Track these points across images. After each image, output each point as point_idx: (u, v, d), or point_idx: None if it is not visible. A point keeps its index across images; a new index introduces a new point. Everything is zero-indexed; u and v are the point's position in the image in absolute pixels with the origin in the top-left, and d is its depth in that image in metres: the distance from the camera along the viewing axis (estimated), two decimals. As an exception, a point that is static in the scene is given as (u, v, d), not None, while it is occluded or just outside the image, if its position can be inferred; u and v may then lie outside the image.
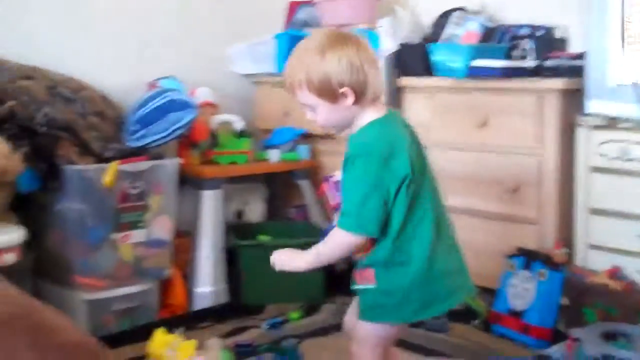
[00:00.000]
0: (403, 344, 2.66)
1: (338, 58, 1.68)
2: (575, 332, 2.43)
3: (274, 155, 3.43)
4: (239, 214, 3.50)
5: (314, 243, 1.83)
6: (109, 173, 2.71)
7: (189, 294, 3.09)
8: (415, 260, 1.76)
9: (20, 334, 0.89)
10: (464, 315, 2.95)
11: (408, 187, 1.71)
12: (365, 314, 1.83)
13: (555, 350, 2.57)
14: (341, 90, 1.69)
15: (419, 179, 1.76)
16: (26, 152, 2.66)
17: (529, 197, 2.87)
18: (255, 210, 3.54)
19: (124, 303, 2.88)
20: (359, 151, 1.71)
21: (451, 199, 3.06)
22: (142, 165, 2.86)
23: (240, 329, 2.83)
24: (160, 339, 1.51)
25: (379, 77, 1.74)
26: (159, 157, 2.99)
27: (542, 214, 2.85)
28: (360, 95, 1.71)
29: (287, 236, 3.31)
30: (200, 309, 3.05)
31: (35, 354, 0.89)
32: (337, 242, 1.73)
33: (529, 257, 2.76)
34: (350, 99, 1.71)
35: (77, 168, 2.73)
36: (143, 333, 2.62)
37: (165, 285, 3.04)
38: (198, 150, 3.23)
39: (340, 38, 1.73)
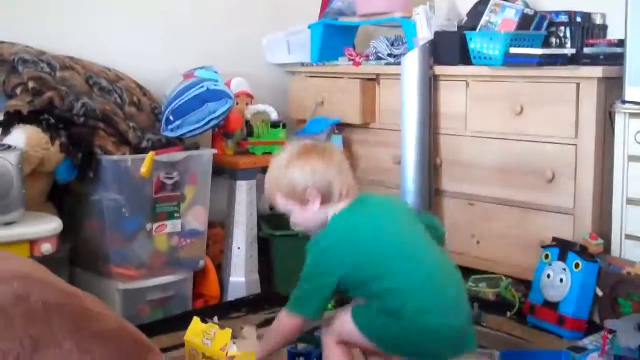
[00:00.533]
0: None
1: (301, 167, 1.90)
2: (610, 323, 2.41)
3: (308, 146, 3.43)
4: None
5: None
6: (145, 163, 2.73)
7: (222, 284, 3.12)
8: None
9: (62, 320, 0.90)
10: (499, 306, 2.94)
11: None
12: (358, 317, 1.87)
13: (590, 341, 2.55)
14: (307, 193, 1.88)
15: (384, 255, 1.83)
16: (63, 143, 2.69)
17: (565, 186, 2.84)
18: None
19: (158, 293, 2.92)
20: (310, 248, 1.87)
21: (487, 189, 3.09)
22: (177, 155, 2.88)
23: (274, 319, 2.84)
24: (197, 327, 1.52)
25: (343, 178, 1.92)
26: (194, 147, 3.01)
27: (578, 203, 2.82)
28: (326, 197, 1.90)
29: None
30: (233, 299, 3.07)
31: (75, 340, 0.90)
32: (279, 325, 1.88)
33: (564, 248, 2.74)
34: (317, 201, 1.90)
35: (114, 158, 2.75)
36: (177, 323, 2.65)
37: (199, 276, 3.07)
38: (232, 141, 3.24)
39: (305, 149, 1.95)
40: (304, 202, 1.92)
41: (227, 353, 1.43)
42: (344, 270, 1.81)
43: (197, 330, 1.53)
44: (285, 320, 1.82)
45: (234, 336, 1.44)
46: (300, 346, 2.08)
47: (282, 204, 1.98)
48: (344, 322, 1.88)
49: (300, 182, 1.91)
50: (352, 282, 1.82)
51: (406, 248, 1.86)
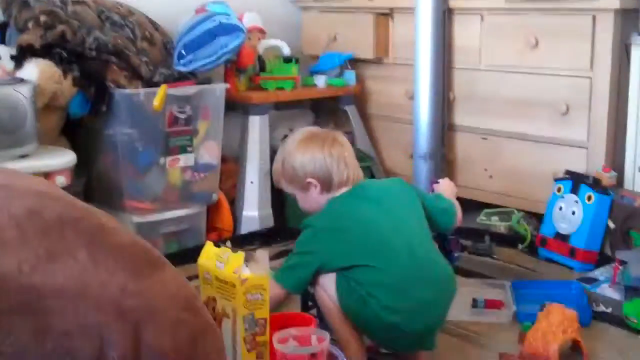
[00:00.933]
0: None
1: (302, 154, 1.96)
2: (622, 254, 2.42)
3: (320, 81, 3.42)
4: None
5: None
6: (158, 97, 2.73)
7: (236, 218, 3.14)
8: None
9: (76, 233, 0.92)
10: (510, 239, 2.95)
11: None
12: (340, 284, 1.87)
13: (600, 272, 2.57)
14: (307, 180, 1.95)
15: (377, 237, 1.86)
16: (76, 77, 2.70)
17: (579, 120, 2.83)
18: (302, 136, 3.54)
19: (172, 226, 2.95)
20: (305, 225, 1.92)
21: (500, 124, 3.08)
22: (190, 89, 2.88)
23: (286, 251, 2.86)
24: (210, 251, 1.54)
25: (344, 167, 1.96)
26: (206, 82, 3.01)
27: (592, 137, 2.80)
28: (326, 185, 1.96)
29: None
30: (246, 232, 3.10)
31: (90, 252, 0.91)
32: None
33: (576, 181, 2.74)
34: (317, 188, 1.96)
35: (126, 92, 2.75)
36: (191, 255, 2.67)
37: (212, 210, 3.09)
38: (245, 76, 3.24)
39: (309, 136, 2.02)
40: (305, 188, 1.99)
41: (240, 276, 1.45)
42: (328, 255, 1.85)
43: (210, 255, 1.54)
44: (271, 288, 1.82)
45: (246, 260, 1.46)
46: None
47: (287, 188, 2.06)
48: (329, 282, 1.89)
49: (300, 170, 1.97)
50: (334, 267, 1.85)
51: (387, 244, 1.86)
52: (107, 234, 0.96)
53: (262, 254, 1.45)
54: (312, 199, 2.00)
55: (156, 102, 2.73)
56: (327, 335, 1.48)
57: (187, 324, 0.94)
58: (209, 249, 1.54)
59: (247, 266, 1.46)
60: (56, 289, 0.86)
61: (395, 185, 2.06)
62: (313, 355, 1.42)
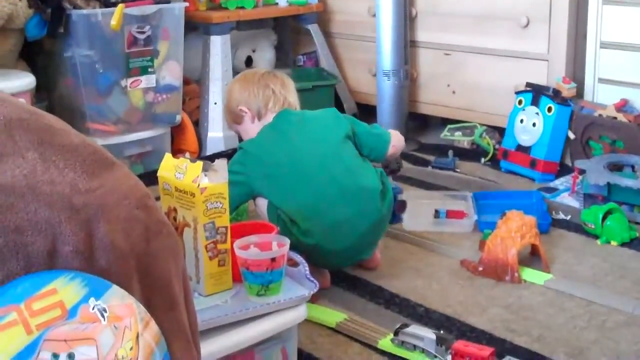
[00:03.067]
0: (408, 180, 2.72)
1: (238, 87, 2.08)
2: (581, 163, 2.46)
3: None
4: (248, 61, 3.49)
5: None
6: (115, 16, 2.69)
7: (201, 139, 3.14)
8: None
9: (25, 133, 0.91)
10: (474, 153, 2.98)
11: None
12: (270, 205, 1.96)
13: (561, 182, 2.61)
14: (239, 108, 2.06)
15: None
16: (32, -2, 2.65)
17: (539, 32, 2.83)
18: (264, 57, 3.52)
19: (136, 148, 2.94)
20: (239, 147, 2.03)
21: (462, 39, 3.08)
22: (148, 8, 2.83)
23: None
24: (169, 162, 1.54)
25: (271, 94, 2.04)
26: (165, 1, 2.96)
27: (552, 49, 2.81)
28: (255, 112, 2.05)
29: (298, 82, 3.29)
30: (212, 153, 3.10)
31: (39, 152, 0.91)
32: None
33: (537, 93, 2.76)
34: (248, 116, 2.05)
35: (84, 13, 2.71)
36: (157, 178, 2.67)
37: (177, 131, 3.08)
38: (205, -5, 3.19)
39: (248, 73, 2.15)
40: (239, 119, 2.08)
41: (199, 185, 1.46)
42: (252, 177, 1.93)
43: (169, 166, 1.54)
44: None
45: (205, 169, 1.46)
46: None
47: (231, 126, 2.20)
48: (263, 208, 1.97)
49: (234, 101, 2.08)
50: (261, 191, 1.94)
51: (304, 168, 1.92)
52: (56, 134, 0.95)
53: (221, 163, 1.45)
54: (248, 129, 2.07)
55: (114, 21, 2.69)
56: (287, 241, 1.50)
57: (140, 221, 0.95)
58: (168, 160, 1.54)
59: (206, 175, 1.46)
60: (6, 187, 0.86)
61: (324, 113, 2.11)
62: (273, 259, 1.44)
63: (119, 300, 0.86)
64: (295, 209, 1.90)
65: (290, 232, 1.86)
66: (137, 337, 0.88)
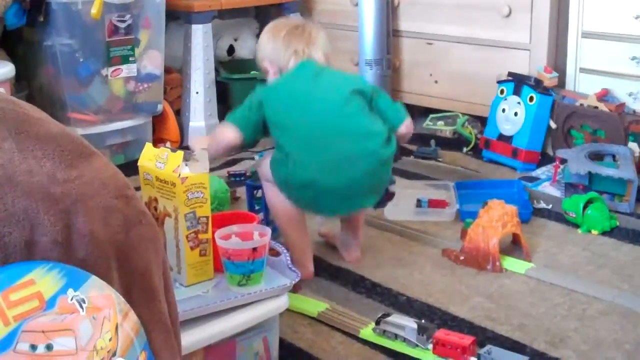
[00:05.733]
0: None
1: (266, 39, 2.05)
2: (562, 152, 2.47)
3: (264, -12, 3.37)
4: (230, 50, 3.47)
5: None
6: (95, 4, 2.67)
7: (182, 129, 3.12)
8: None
9: (3, 124, 0.90)
10: (456, 142, 2.99)
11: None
12: (272, 160, 1.98)
13: (542, 171, 2.62)
14: (263, 63, 2.05)
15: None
16: (10, -14, 2.62)
17: (521, 22, 2.84)
18: (246, 46, 3.50)
19: (118, 138, 2.92)
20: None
21: (445, 28, 3.08)
22: (128, -3, 2.82)
23: (234, 160, 2.88)
24: (149, 152, 1.53)
25: (293, 53, 1.99)
26: (145, -11, 2.94)
27: (534, 38, 2.82)
28: (278, 68, 2.01)
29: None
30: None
31: (16, 141, 0.90)
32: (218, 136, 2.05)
33: (519, 82, 2.76)
34: (272, 71, 2.02)
35: (63, 1, 2.68)
36: (137, 167, 2.66)
37: (158, 121, 3.07)
38: (186, -16, 3.17)
39: (278, 23, 2.09)
40: (266, 72, 2.06)
41: (179, 174, 1.45)
42: (264, 107, 1.94)
43: (149, 156, 1.53)
44: (221, 132, 2.01)
45: (186, 159, 1.46)
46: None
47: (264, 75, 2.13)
48: (266, 162, 1.97)
49: (260, 54, 2.07)
50: (266, 122, 1.95)
51: (306, 105, 1.92)
52: (34, 124, 0.94)
53: (202, 153, 1.44)
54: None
55: (94, 10, 2.67)
56: (268, 231, 1.50)
57: (119, 211, 0.94)
58: (149, 150, 1.54)
59: (186, 165, 1.46)
60: (-18, 177, 0.85)
61: (349, 74, 2.14)
62: (254, 249, 1.44)
63: (98, 291, 0.86)
64: (295, 142, 1.88)
65: (287, 166, 1.86)
66: (117, 328, 0.87)
